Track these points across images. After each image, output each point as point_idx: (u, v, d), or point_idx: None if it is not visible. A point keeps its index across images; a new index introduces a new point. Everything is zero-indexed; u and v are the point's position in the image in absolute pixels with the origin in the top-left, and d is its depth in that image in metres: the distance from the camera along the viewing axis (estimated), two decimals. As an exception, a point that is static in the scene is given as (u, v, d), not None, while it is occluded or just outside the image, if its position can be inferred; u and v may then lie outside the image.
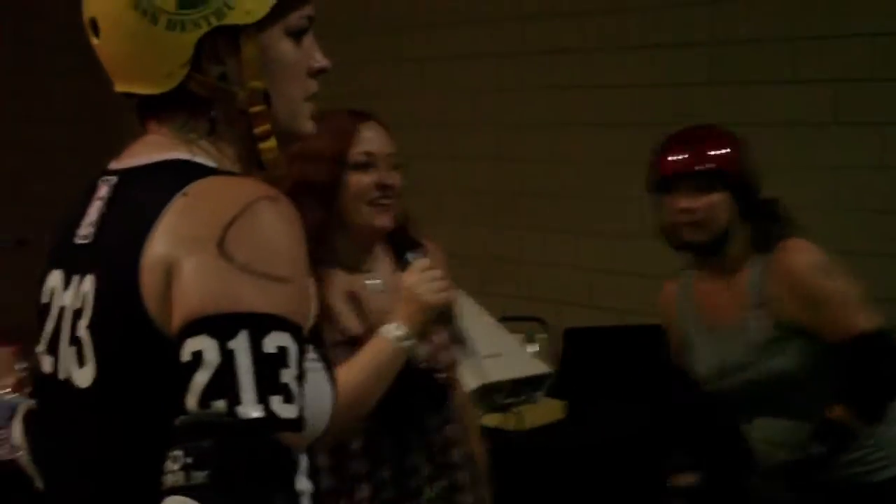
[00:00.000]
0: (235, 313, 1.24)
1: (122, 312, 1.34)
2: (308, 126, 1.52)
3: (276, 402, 1.22)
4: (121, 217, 1.40)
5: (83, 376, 1.38)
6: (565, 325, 4.58)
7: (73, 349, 1.40)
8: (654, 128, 4.90)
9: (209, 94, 1.43)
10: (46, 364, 1.46)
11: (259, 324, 1.24)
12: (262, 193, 1.33)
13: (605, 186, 5.11)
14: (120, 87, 1.47)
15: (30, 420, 1.55)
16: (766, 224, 2.88)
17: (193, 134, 1.45)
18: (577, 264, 5.19)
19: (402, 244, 2.45)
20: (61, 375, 1.42)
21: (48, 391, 1.47)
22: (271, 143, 1.46)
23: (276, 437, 1.22)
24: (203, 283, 1.27)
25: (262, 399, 1.22)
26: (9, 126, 6.84)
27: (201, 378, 1.22)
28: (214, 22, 1.40)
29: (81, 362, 1.38)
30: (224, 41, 1.42)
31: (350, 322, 2.40)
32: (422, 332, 2.33)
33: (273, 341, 1.24)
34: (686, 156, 2.87)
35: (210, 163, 1.43)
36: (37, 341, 1.50)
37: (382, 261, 2.51)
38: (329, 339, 2.33)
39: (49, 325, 1.46)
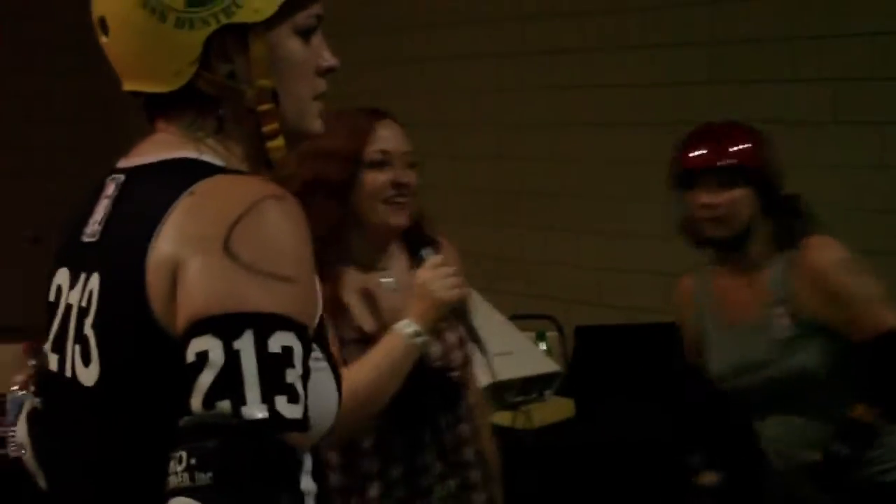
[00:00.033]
0: (240, 313, 1.24)
1: (127, 311, 1.33)
2: (316, 125, 1.51)
3: (281, 403, 1.22)
4: (127, 215, 1.40)
5: (88, 375, 1.38)
6: (571, 323, 4.57)
7: (78, 347, 1.40)
8: (654, 127, 4.94)
9: (217, 92, 1.43)
10: (52, 362, 1.46)
11: (264, 323, 1.24)
12: (268, 192, 1.33)
13: (605, 185, 5.11)
14: (128, 86, 1.47)
15: (34, 418, 1.54)
16: (788, 220, 2.86)
17: (201, 132, 1.44)
18: (578, 263, 5.19)
19: (416, 242, 2.44)
20: (67, 374, 1.42)
21: (53, 389, 1.47)
22: (279, 141, 1.45)
23: (281, 437, 1.22)
24: (208, 283, 1.27)
25: (267, 399, 1.21)
26: (9, 126, 6.84)
27: (206, 378, 1.22)
28: (223, 20, 1.39)
29: (86, 361, 1.38)
30: (233, 39, 1.41)
31: (364, 320, 2.39)
32: (435, 329, 2.33)
33: (278, 341, 1.24)
34: (708, 151, 2.86)
35: (217, 161, 1.43)
36: (44, 339, 1.50)
37: (397, 259, 2.51)
38: (343, 337, 2.34)
39: (55, 324, 1.46)
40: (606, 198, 5.10)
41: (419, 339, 2.28)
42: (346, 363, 2.31)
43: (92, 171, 1.52)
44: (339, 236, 2.40)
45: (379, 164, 2.40)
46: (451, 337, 2.48)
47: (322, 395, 1.38)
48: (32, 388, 1.53)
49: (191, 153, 1.43)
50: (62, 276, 1.47)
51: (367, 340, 2.33)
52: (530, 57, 5.38)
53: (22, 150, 6.98)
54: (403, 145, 2.44)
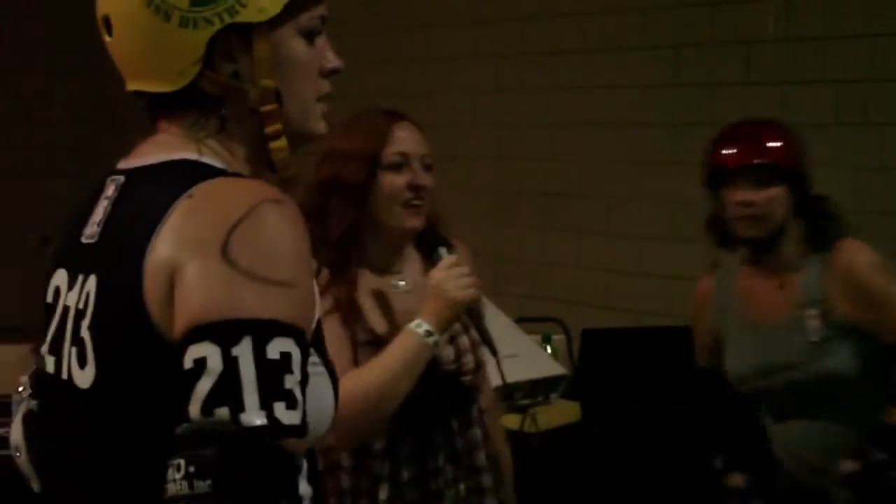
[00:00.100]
0: (239, 319, 1.23)
1: (124, 314, 1.32)
2: (320, 126, 1.50)
3: (280, 409, 1.22)
4: (126, 217, 1.39)
5: (84, 377, 1.37)
6: (573, 325, 4.56)
7: (74, 350, 1.39)
8: (654, 128, 4.95)
9: (221, 92, 1.42)
10: (49, 364, 1.45)
11: (262, 330, 1.23)
12: (267, 196, 1.32)
13: (605, 186, 5.11)
14: (131, 86, 1.46)
15: (30, 420, 1.52)
16: (820, 222, 2.85)
17: (203, 133, 1.43)
18: (579, 264, 5.19)
19: (430, 242, 2.43)
20: (63, 376, 1.41)
21: (50, 392, 1.46)
22: (282, 142, 1.44)
23: (280, 443, 1.22)
24: (206, 289, 1.26)
25: (266, 406, 1.21)
26: (9, 126, 6.84)
27: (204, 385, 1.21)
28: (227, 19, 1.39)
29: (82, 363, 1.37)
30: (237, 39, 1.41)
31: (376, 322, 2.39)
32: (448, 329, 2.32)
33: (276, 347, 1.23)
34: (745, 148, 2.83)
35: (218, 163, 1.42)
36: (36, 341, 1.50)
37: (412, 262, 2.50)
38: (356, 339, 2.34)
39: (53, 325, 1.45)
40: (606, 198, 5.10)
41: (432, 339, 2.27)
42: (358, 365, 2.31)
43: (92, 171, 1.51)
44: (356, 238, 2.40)
45: (396, 167, 2.40)
46: (464, 341, 2.47)
47: (319, 399, 1.37)
48: (29, 390, 1.53)
49: (191, 154, 1.42)
50: (60, 278, 1.46)
51: (379, 342, 2.33)
52: (530, 57, 5.38)
53: (22, 150, 6.98)
54: (421, 147, 2.43)
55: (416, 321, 2.28)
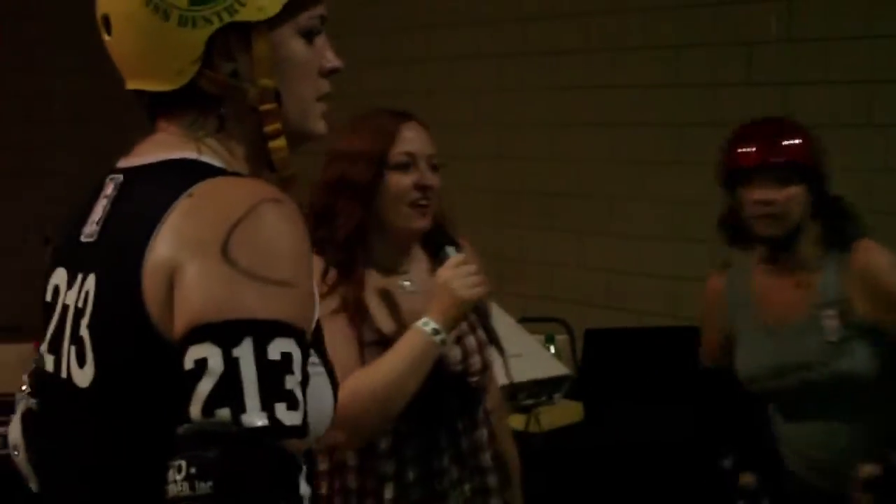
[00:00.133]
0: (239, 320, 1.23)
1: (123, 313, 1.32)
2: (319, 126, 1.50)
3: (281, 410, 1.22)
4: (125, 216, 1.39)
5: (83, 376, 1.37)
6: (573, 326, 4.56)
7: (74, 348, 1.39)
8: (655, 128, 4.94)
9: (220, 91, 1.42)
10: (48, 363, 1.45)
11: (263, 330, 1.23)
12: (266, 195, 1.32)
13: (606, 186, 5.11)
14: (131, 85, 1.46)
15: (29, 419, 1.52)
16: (838, 222, 2.84)
17: (202, 132, 1.43)
18: (580, 264, 5.19)
19: (438, 241, 2.42)
20: (62, 375, 1.41)
21: (49, 391, 1.46)
22: (281, 142, 1.44)
23: (281, 444, 1.22)
24: (206, 289, 1.26)
25: (267, 407, 1.21)
26: (9, 126, 6.84)
27: (205, 386, 1.21)
28: (226, 18, 1.39)
29: (81, 362, 1.37)
30: (236, 38, 1.41)
31: (383, 322, 2.38)
32: (455, 328, 2.32)
33: (277, 348, 1.23)
34: (765, 147, 2.82)
35: (217, 163, 1.42)
36: (41, 340, 1.50)
37: (418, 262, 2.50)
38: (362, 339, 2.33)
39: (52, 324, 1.45)
40: (608, 198, 5.10)
41: (439, 338, 2.27)
42: (364, 365, 2.30)
43: (92, 171, 1.51)
44: (363, 238, 2.40)
45: (403, 167, 2.39)
46: (471, 342, 2.47)
47: (319, 399, 1.38)
48: (28, 389, 1.52)
49: (191, 154, 1.42)
50: (59, 276, 1.46)
51: (386, 342, 2.33)
52: (531, 57, 5.38)
53: (22, 150, 6.97)
54: (428, 147, 2.43)
55: (424, 320, 2.27)
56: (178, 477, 1.18)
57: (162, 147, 1.44)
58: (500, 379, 2.55)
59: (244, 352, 1.21)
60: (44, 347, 1.47)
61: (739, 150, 2.85)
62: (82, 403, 1.38)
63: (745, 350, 2.92)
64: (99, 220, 1.42)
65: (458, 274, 2.31)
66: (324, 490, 2.35)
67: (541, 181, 5.35)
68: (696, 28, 4.75)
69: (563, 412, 3.81)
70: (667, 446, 3.63)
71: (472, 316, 2.45)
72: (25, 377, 1.54)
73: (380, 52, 5.99)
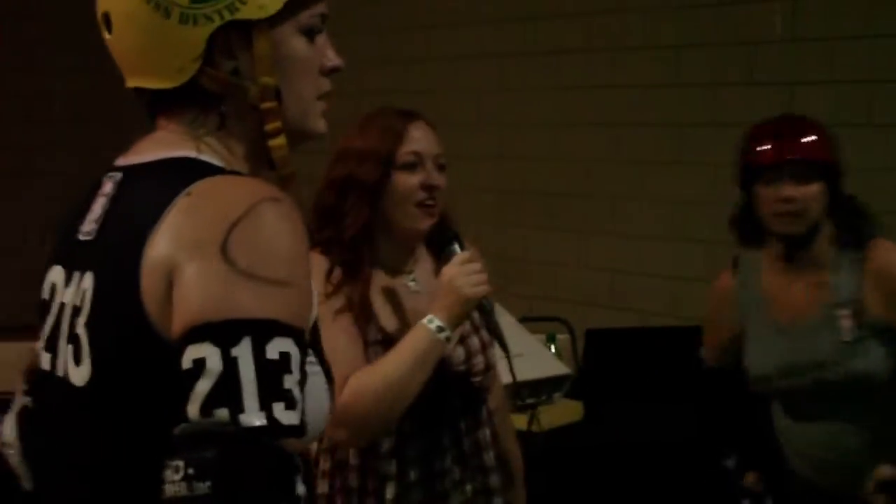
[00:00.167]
0: (238, 320, 1.23)
1: (121, 312, 1.32)
2: (320, 125, 1.50)
3: (279, 410, 1.21)
4: (124, 215, 1.39)
5: (79, 374, 1.37)
6: (576, 326, 4.56)
7: (70, 347, 1.39)
8: (657, 128, 4.94)
9: (220, 89, 1.42)
10: (44, 361, 1.45)
11: (262, 330, 1.23)
12: (266, 195, 1.32)
13: (608, 186, 5.11)
14: (131, 83, 1.46)
15: (24, 417, 1.52)
16: (853, 220, 2.82)
17: (202, 130, 1.43)
18: (582, 264, 5.19)
19: (443, 238, 2.41)
20: (58, 373, 1.41)
21: (45, 389, 1.46)
22: (281, 140, 1.44)
23: (279, 444, 1.21)
24: (205, 289, 1.25)
25: (265, 406, 1.21)
26: (9, 126, 6.84)
27: (203, 386, 1.21)
28: (227, 16, 1.39)
29: (78, 360, 1.37)
30: (237, 36, 1.41)
31: (387, 321, 2.38)
32: (459, 325, 2.31)
33: (276, 347, 1.23)
34: (786, 144, 2.79)
35: (216, 161, 1.41)
36: (36, 338, 1.49)
37: (423, 262, 2.49)
38: (367, 339, 2.33)
39: (49, 322, 1.45)
40: (609, 198, 5.10)
41: (444, 335, 2.26)
42: (368, 364, 2.30)
43: (92, 171, 1.50)
44: (370, 237, 2.39)
45: (411, 166, 2.38)
46: (475, 342, 2.46)
47: (316, 399, 1.37)
48: (24, 387, 1.52)
49: (190, 152, 1.42)
50: (56, 274, 1.46)
51: (389, 342, 2.32)
52: (533, 57, 5.38)
53: (22, 150, 6.97)
54: (435, 147, 2.43)
55: (428, 317, 2.27)
56: (176, 477, 1.18)
57: (161, 145, 1.44)
58: (505, 377, 2.54)
59: (243, 351, 1.21)
60: (40, 345, 1.47)
61: (758, 147, 2.82)
62: (78, 402, 1.37)
63: (756, 349, 2.89)
64: (97, 218, 1.42)
65: (464, 271, 2.30)
66: (325, 489, 2.35)
67: (542, 181, 5.35)
68: (698, 28, 4.75)
69: (563, 411, 3.81)
70: (666, 446, 3.63)
71: (475, 316, 2.45)
72: (21, 375, 1.53)
73: (380, 52, 5.98)
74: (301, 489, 1.34)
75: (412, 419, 2.31)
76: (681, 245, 4.81)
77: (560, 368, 3.86)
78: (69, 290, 1.41)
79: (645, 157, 4.96)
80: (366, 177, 2.38)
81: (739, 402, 2.99)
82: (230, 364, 1.21)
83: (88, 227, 1.42)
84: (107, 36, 1.44)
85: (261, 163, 1.47)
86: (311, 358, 1.38)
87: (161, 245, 1.30)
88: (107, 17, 1.43)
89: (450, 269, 2.32)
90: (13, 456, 1.53)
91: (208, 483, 1.17)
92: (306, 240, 1.34)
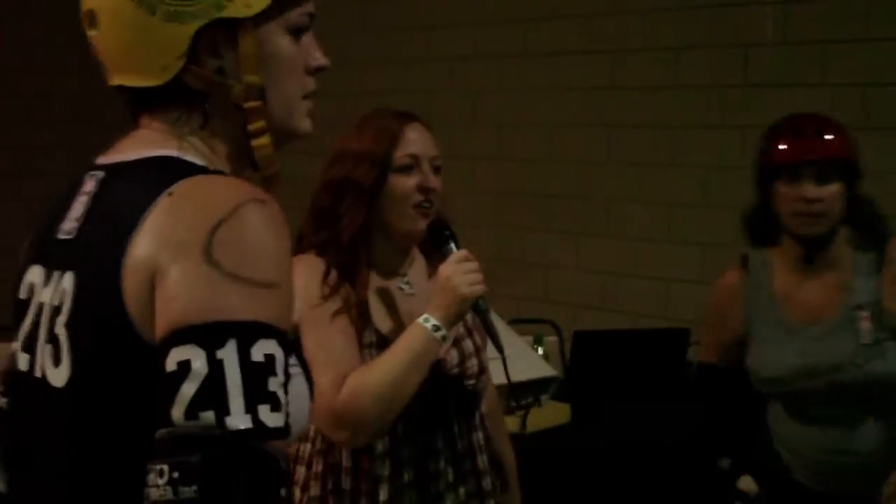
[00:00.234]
0: (223, 322, 1.22)
1: (101, 312, 1.31)
2: (305, 124, 1.49)
3: (265, 412, 1.21)
4: (105, 214, 1.38)
5: (58, 375, 1.36)
6: (573, 327, 4.55)
7: (49, 347, 1.37)
8: (653, 130, 4.94)
9: (205, 87, 1.41)
10: (22, 362, 1.43)
11: (247, 332, 1.23)
12: (250, 195, 1.31)
13: (604, 187, 5.11)
14: (114, 80, 1.45)
15: (0, 419, 1.51)
16: (871, 221, 2.79)
17: (186, 128, 1.42)
18: (576, 265, 5.19)
19: (440, 237, 2.41)
20: (37, 374, 1.40)
21: (22, 390, 1.45)
22: (265, 139, 1.43)
23: (265, 446, 1.21)
24: (189, 291, 1.25)
25: (251, 409, 1.21)
26: (9, 126, 6.83)
27: (188, 389, 1.20)
28: (213, 14, 1.38)
29: (57, 361, 1.36)
30: (222, 34, 1.40)
31: (381, 323, 2.38)
32: (455, 324, 2.31)
33: (260, 349, 1.23)
34: (808, 143, 2.75)
35: (199, 160, 1.41)
36: (14, 338, 1.48)
37: (417, 264, 2.50)
38: (362, 341, 2.32)
39: (27, 322, 1.43)
40: (605, 200, 5.10)
41: (440, 334, 2.26)
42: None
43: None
44: (367, 239, 2.39)
45: (407, 169, 2.38)
46: (468, 345, 2.46)
47: (298, 398, 1.36)
48: (0, 388, 1.51)
49: (172, 151, 1.41)
50: (35, 274, 1.45)
51: (384, 343, 2.32)
52: (531, 58, 5.38)
53: (22, 150, 6.97)
54: (431, 149, 2.42)
55: (424, 316, 2.27)
56: (161, 481, 1.18)
57: (143, 144, 1.43)
58: (500, 378, 2.54)
59: (228, 354, 1.21)
60: (17, 345, 1.45)
61: (781, 146, 2.78)
62: (57, 403, 1.36)
63: (767, 350, 2.84)
64: (78, 217, 1.41)
65: (460, 270, 2.30)
66: (318, 492, 2.34)
67: (540, 182, 5.35)
68: (696, 30, 4.75)
69: (550, 413, 3.80)
70: (654, 447, 3.62)
71: (468, 319, 2.45)
72: None
73: (380, 52, 5.98)
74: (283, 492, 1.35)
75: (406, 421, 2.31)
76: (676, 247, 4.81)
77: (546, 370, 3.86)
78: (48, 289, 1.40)
79: (641, 158, 4.96)
80: (362, 179, 2.37)
81: (735, 402, 2.96)
82: (216, 367, 1.21)
83: (69, 226, 1.41)
84: (91, 33, 1.44)
85: (244, 163, 1.46)
86: (292, 359, 1.37)
87: (143, 245, 1.29)
88: (91, 14, 1.42)
89: (446, 268, 2.31)
90: None
91: (194, 487, 1.17)
92: (289, 241, 1.33)
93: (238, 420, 1.20)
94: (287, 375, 1.28)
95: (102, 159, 1.46)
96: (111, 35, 1.42)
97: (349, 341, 2.30)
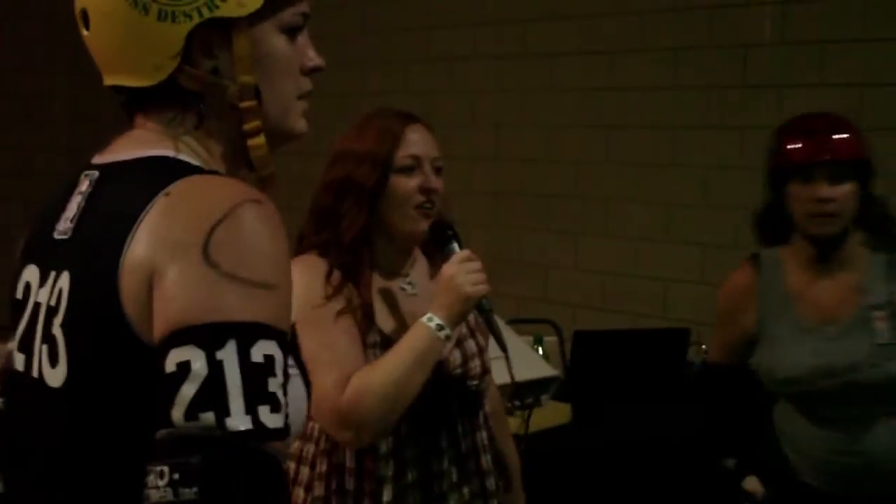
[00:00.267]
0: (223, 322, 1.22)
1: (98, 312, 1.31)
2: (300, 125, 1.49)
3: (264, 413, 1.21)
4: (101, 214, 1.37)
5: (55, 376, 1.35)
6: (573, 328, 4.55)
7: (45, 347, 1.37)
8: (652, 130, 4.94)
9: (199, 87, 1.41)
10: (18, 361, 1.43)
11: (246, 333, 1.22)
12: (246, 196, 1.30)
13: (603, 188, 5.11)
14: (108, 81, 1.45)
15: None
16: (885, 221, 2.78)
17: (181, 128, 1.42)
18: (575, 265, 5.19)
19: (443, 236, 2.41)
20: (33, 374, 1.39)
21: (18, 390, 1.44)
22: (260, 139, 1.43)
23: (265, 447, 1.21)
24: (188, 292, 1.24)
25: (251, 410, 1.20)
26: (9, 126, 6.83)
27: (188, 390, 1.20)
28: (206, 13, 1.37)
29: (54, 361, 1.35)
30: (216, 34, 1.39)
31: (384, 323, 2.37)
32: (459, 324, 2.31)
33: (260, 350, 1.23)
34: (822, 143, 2.73)
35: (194, 161, 1.40)
36: (9, 338, 1.47)
37: (419, 264, 2.49)
38: (365, 341, 2.32)
39: (23, 322, 1.43)
40: (604, 200, 5.10)
41: (443, 333, 2.25)
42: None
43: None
44: (369, 240, 2.39)
45: (408, 170, 2.38)
46: (471, 345, 2.46)
47: (296, 399, 1.36)
48: None
49: (168, 151, 1.40)
50: (31, 273, 1.44)
51: (386, 344, 2.32)
52: (530, 59, 5.38)
53: (22, 150, 6.97)
54: (433, 150, 2.42)
55: (428, 315, 2.26)
56: (161, 482, 1.18)
57: (138, 144, 1.42)
58: (504, 377, 2.53)
59: (228, 355, 1.21)
60: (13, 345, 1.45)
61: (794, 146, 2.77)
62: (54, 403, 1.36)
63: (781, 350, 2.82)
64: (73, 216, 1.40)
65: (463, 270, 2.29)
66: (321, 492, 2.34)
67: (538, 182, 5.35)
68: (695, 31, 4.75)
69: (550, 413, 3.80)
70: (655, 447, 3.62)
71: (471, 319, 2.45)
72: None
73: (380, 52, 5.98)
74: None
75: (410, 421, 2.31)
76: (675, 247, 4.81)
77: (547, 370, 3.85)
78: (44, 289, 1.39)
79: (639, 159, 4.96)
80: (363, 179, 2.37)
81: (741, 402, 2.94)
82: (215, 367, 1.20)
83: (64, 226, 1.41)
84: (84, 33, 1.43)
85: (239, 163, 1.46)
86: (290, 360, 1.37)
87: (141, 246, 1.28)
88: (85, 14, 1.42)
89: (450, 268, 2.31)
90: None
91: (195, 489, 1.17)
92: (286, 242, 1.33)
93: (238, 421, 1.19)
94: (286, 376, 1.27)
95: (97, 159, 1.46)
96: (104, 35, 1.41)
97: (353, 342, 2.29)
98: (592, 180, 5.13)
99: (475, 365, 2.45)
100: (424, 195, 2.38)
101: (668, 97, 4.83)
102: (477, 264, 2.32)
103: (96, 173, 1.43)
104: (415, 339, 2.25)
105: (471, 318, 2.43)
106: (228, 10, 1.38)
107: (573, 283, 5.19)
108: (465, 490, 2.41)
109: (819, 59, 4.35)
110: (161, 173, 1.35)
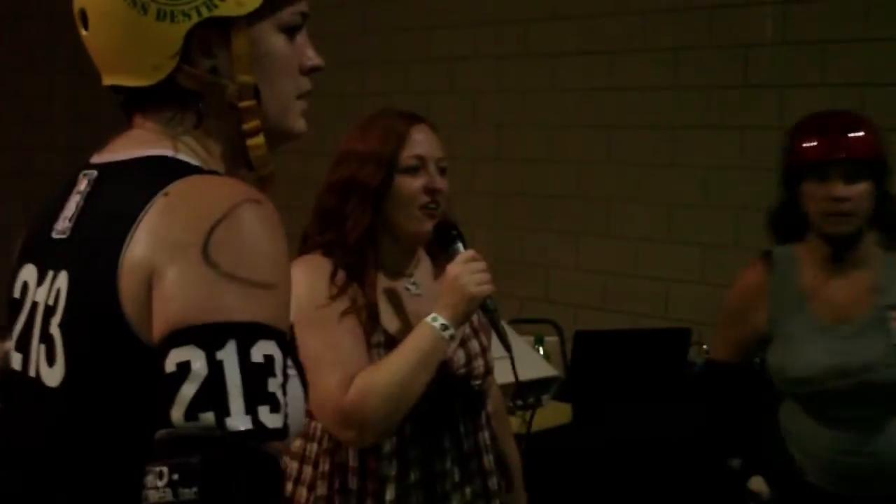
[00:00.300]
0: (223, 322, 1.22)
1: (97, 312, 1.31)
2: (299, 124, 1.48)
3: (264, 413, 1.21)
4: (100, 214, 1.37)
5: (52, 375, 1.35)
6: (574, 328, 4.55)
7: (43, 347, 1.37)
8: (653, 130, 4.94)
9: (198, 87, 1.40)
10: (15, 361, 1.43)
11: (246, 333, 1.23)
12: (246, 196, 1.30)
13: (604, 188, 5.10)
14: (107, 80, 1.45)
15: None
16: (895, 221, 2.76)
17: (180, 128, 1.42)
18: (576, 265, 5.18)
19: (447, 236, 2.41)
20: (30, 373, 1.39)
21: (16, 389, 1.44)
22: (259, 139, 1.43)
23: (265, 447, 1.21)
24: (188, 292, 1.24)
25: (251, 410, 1.20)
26: (9, 126, 6.83)
27: (188, 390, 1.20)
28: (205, 13, 1.37)
29: (51, 361, 1.35)
30: (215, 33, 1.39)
31: (389, 324, 2.37)
32: (463, 324, 2.31)
33: (260, 350, 1.23)
34: (838, 141, 2.71)
35: (193, 160, 1.40)
36: (7, 337, 1.47)
37: (423, 264, 2.49)
38: (369, 341, 2.32)
39: (20, 322, 1.43)
40: (605, 200, 5.10)
41: (448, 333, 2.25)
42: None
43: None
44: (374, 240, 2.38)
45: (413, 170, 2.37)
46: (474, 345, 2.46)
47: (295, 399, 1.36)
48: None
49: (166, 151, 1.40)
50: (28, 273, 1.44)
51: (391, 344, 2.32)
52: (531, 59, 5.38)
53: (22, 150, 6.97)
54: (437, 150, 2.42)
55: (432, 315, 2.26)
56: (160, 483, 1.18)
57: (137, 143, 1.42)
58: (506, 377, 2.53)
59: (228, 355, 1.21)
60: (11, 345, 1.45)
61: (809, 145, 2.75)
62: (51, 403, 1.36)
63: (795, 349, 2.79)
64: (71, 216, 1.40)
65: (468, 269, 2.29)
66: (324, 491, 2.34)
67: (540, 182, 5.35)
68: (695, 31, 4.74)
69: (551, 413, 3.80)
70: (656, 447, 3.62)
71: (475, 319, 2.45)
72: None
73: (380, 52, 5.98)
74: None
75: (413, 421, 2.31)
76: (676, 247, 4.81)
77: (548, 370, 3.85)
78: (42, 289, 1.39)
79: (640, 159, 4.96)
80: (368, 179, 2.36)
81: (746, 401, 2.93)
82: (215, 367, 1.20)
83: (62, 226, 1.41)
84: (83, 33, 1.43)
85: (238, 162, 1.46)
86: (288, 360, 1.38)
87: (140, 246, 1.28)
88: (83, 14, 1.42)
89: (454, 268, 2.31)
90: None
91: (194, 489, 1.17)
92: (285, 242, 1.33)
93: (238, 421, 1.19)
94: (285, 376, 1.27)
95: (96, 158, 1.46)
96: (102, 35, 1.41)
97: (357, 342, 2.29)
98: (593, 180, 5.13)
99: (478, 365, 2.45)
100: (429, 195, 2.38)
101: (669, 97, 4.82)
102: (481, 264, 2.32)
103: (95, 173, 1.43)
104: (419, 339, 2.25)
105: (474, 317, 2.44)
106: (227, 9, 1.38)
107: (574, 283, 5.19)
108: (468, 490, 2.41)
109: (820, 59, 4.35)
110: (160, 173, 1.35)
